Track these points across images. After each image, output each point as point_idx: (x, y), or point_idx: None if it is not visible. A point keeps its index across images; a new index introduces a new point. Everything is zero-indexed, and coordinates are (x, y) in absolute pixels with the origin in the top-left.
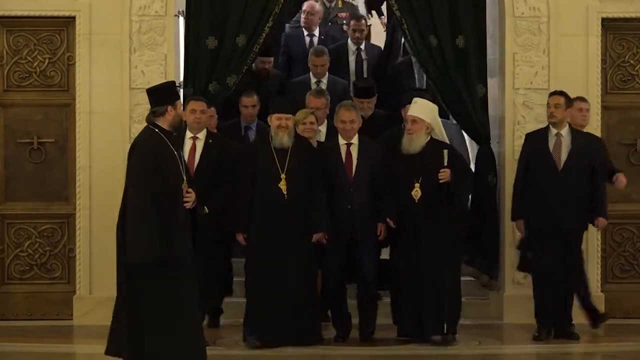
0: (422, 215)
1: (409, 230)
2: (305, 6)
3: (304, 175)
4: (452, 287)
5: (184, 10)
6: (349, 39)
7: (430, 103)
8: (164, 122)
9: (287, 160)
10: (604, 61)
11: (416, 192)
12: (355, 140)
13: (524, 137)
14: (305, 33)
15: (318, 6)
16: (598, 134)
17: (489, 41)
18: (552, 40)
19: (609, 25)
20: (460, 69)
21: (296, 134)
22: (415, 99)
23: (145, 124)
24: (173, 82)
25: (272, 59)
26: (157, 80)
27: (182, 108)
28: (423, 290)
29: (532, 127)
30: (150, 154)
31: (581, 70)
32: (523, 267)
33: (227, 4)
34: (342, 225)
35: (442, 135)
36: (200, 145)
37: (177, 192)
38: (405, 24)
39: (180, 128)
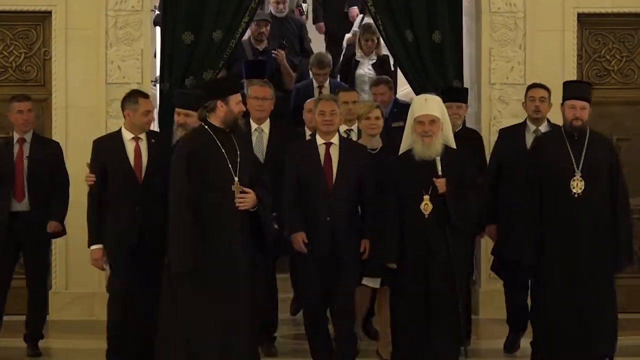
0: (433, 232)
1: (418, 250)
2: None
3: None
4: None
5: (159, 5)
6: None
7: (439, 99)
8: (215, 119)
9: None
10: (579, 56)
11: (426, 206)
12: (335, 139)
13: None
14: None
15: None
16: None
17: (465, 36)
18: (528, 36)
19: (585, 21)
20: (436, 64)
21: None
22: (425, 96)
23: None
24: (232, 75)
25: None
26: (133, 75)
27: (238, 103)
28: (431, 320)
29: (508, 122)
30: (186, 155)
31: (557, 65)
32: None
33: None
34: (318, 241)
35: (449, 135)
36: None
37: (221, 194)
38: (380, 21)
39: (235, 125)
